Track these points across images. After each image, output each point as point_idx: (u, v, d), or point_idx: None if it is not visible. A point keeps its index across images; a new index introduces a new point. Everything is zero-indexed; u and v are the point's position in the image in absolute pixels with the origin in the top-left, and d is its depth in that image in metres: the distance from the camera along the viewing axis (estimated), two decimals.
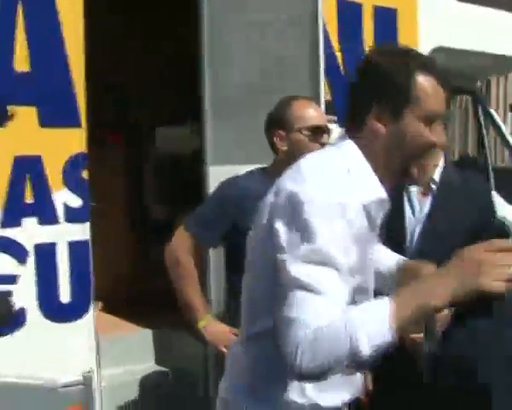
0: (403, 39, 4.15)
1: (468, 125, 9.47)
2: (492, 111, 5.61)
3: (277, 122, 2.47)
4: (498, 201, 4.90)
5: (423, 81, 1.44)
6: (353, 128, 1.51)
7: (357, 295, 1.41)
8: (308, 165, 1.48)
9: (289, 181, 1.44)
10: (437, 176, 2.54)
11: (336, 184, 1.40)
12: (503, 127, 5.68)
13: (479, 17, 4.65)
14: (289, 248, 1.35)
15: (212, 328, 2.54)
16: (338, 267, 1.32)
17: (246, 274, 1.62)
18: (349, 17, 3.93)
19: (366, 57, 1.54)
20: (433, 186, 2.54)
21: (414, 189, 2.52)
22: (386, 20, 4.11)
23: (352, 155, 1.48)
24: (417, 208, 2.53)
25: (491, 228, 2.52)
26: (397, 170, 1.49)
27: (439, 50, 4.29)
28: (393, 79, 1.44)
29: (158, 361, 4.18)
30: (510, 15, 4.93)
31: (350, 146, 1.49)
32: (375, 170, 1.48)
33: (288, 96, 2.52)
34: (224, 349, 2.45)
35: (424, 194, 2.54)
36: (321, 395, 1.57)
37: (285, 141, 2.44)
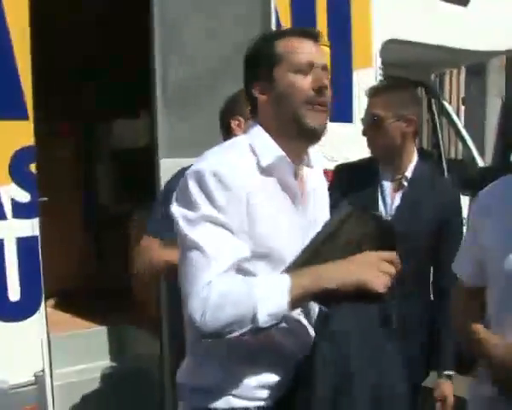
0: (356, 31, 4.16)
1: (423, 118, 9.59)
2: (446, 104, 5.67)
3: (237, 108, 2.45)
4: None
5: (282, 43, 1.62)
6: (254, 114, 1.67)
7: (263, 263, 1.52)
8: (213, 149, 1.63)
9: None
10: (409, 173, 2.58)
11: (223, 157, 1.55)
12: (457, 120, 5.76)
13: (432, 10, 4.68)
14: (182, 219, 1.49)
15: None
16: (227, 227, 1.46)
17: None
18: (302, 7, 3.91)
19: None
20: (405, 183, 2.57)
21: (387, 185, 2.56)
22: (340, 11, 4.10)
23: (254, 132, 1.63)
24: (389, 203, 2.56)
25: (453, 226, 2.55)
26: (292, 126, 1.59)
27: (393, 42, 4.31)
28: (258, 53, 1.64)
29: (113, 359, 4.12)
30: (463, 10, 4.98)
31: (254, 127, 1.65)
32: (277, 137, 1.61)
33: None
34: None
35: (396, 190, 2.58)
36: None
37: (243, 126, 2.40)
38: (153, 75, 3.25)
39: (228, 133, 2.48)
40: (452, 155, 8.27)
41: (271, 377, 1.58)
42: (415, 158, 2.60)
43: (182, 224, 1.48)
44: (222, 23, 3.29)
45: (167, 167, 3.05)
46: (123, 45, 4.38)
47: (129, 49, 4.28)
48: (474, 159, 5.52)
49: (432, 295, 2.62)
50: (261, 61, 1.62)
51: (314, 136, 1.61)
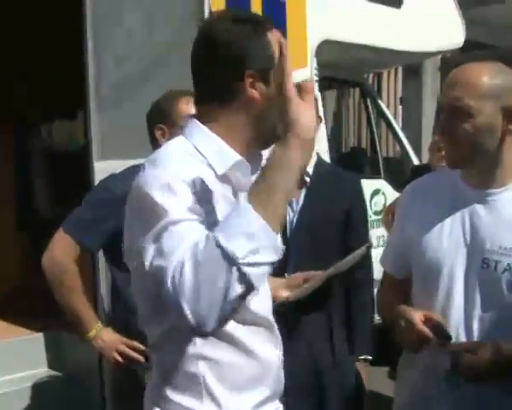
0: (292, 32, 4.18)
1: (362, 118, 9.74)
2: (381, 103, 5.78)
3: (161, 116, 2.39)
4: (388, 190, 5.07)
5: (275, 42, 1.43)
6: (210, 106, 1.47)
7: None
8: (153, 155, 1.45)
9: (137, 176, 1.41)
10: (310, 169, 2.65)
11: (168, 164, 1.37)
12: (392, 119, 5.87)
13: (366, 11, 4.76)
14: (140, 237, 1.32)
15: (103, 337, 2.44)
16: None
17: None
18: (237, 7, 3.91)
19: (210, 28, 1.47)
20: (307, 179, 2.64)
21: None
22: (275, 12, 4.13)
23: (201, 134, 1.45)
24: (294, 202, 2.62)
25: (358, 215, 2.69)
26: (270, 133, 1.44)
27: (327, 43, 4.36)
28: (257, 45, 1.42)
29: (51, 366, 4.04)
30: (397, 11, 5.08)
31: (198, 127, 1.46)
32: (240, 138, 1.46)
33: (175, 90, 2.42)
34: (118, 357, 2.40)
35: (300, 187, 2.63)
36: (231, 397, 1.48)
37: (167, 136, 2.34)
38: (86, 76, 3.21)
39: (153, 142, 2.42)
40: (390, 154, 8.42)
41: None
42: (314, 155, 2.68)
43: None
44: (155, 22, 3.27)
45: (100, 169, 3.01)
46: (56, 44, 4.31)
47: (62, 48, 4.21)
48: (409, 157, 5.64)
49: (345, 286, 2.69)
50: (258, 52, 1.42)
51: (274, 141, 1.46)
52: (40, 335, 4.05)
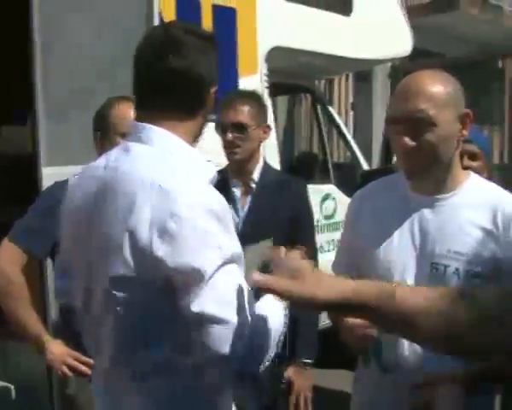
0: (242, 39, 4.21)
1: (313, 124, 9.83)
2: (331, 109, 5.85)
3: (99, 123, 2.41)
4: (339, 195, 5.14)
5: None
6: (158, 115, 1.52)
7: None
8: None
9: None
10: (256, 175, 2.71)
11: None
12: (342, 125, 5.95)
13: (316, 19, 4.82)
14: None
15: (52, 350, 2.39)
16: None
17: (116, 293, 1.45)
18: (188, 16, 3.92)
19: (173, 38, 1.52)
20: (253, 185, 2.70)
21: (236, 190, 2.68)
22: (226, 19, 4.15)
23: (176, 143, 1.52)
24: (240, 208, 2.67)
25: (304, 219, 2.73)
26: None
27: (277, 50, 4.40)
28: (213, 60, 1.57)
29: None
30: (346, 19, 5.16)
31: (172, 139, 1.51)
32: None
33: (114, 96, 2.43)
34: (67, 371, 2.37)
35: (245, 193, 2.69)
36: None
37: (100, 141, 2.38)
38: (34, 82, 3.18)
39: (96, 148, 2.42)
40: (340, 160, 8.52)
41: None
42: (261, 161, 2.75)
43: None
44: (104, 28, 3.25)
45: (48, 175, 2.98)
46: (3, 47, 4.25)
47: (9, 50, 4.15)
48: (359, 163, 5.73)
49: None
50: (214, 67, 1.59)
51: None
52: None
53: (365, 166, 5.79)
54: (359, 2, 5.24)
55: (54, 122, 3.19)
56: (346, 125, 8.43)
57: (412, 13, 6.60)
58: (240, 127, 2.64)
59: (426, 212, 1.81)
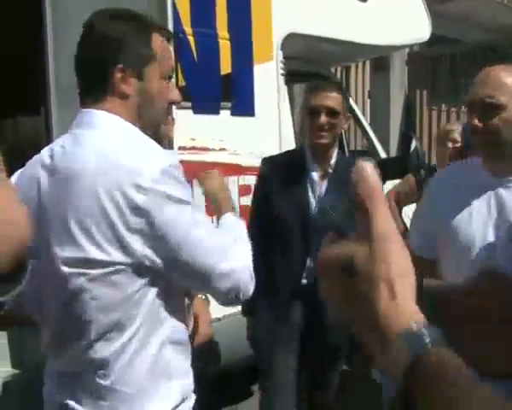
0: (257, 25, 4.16)
1: None
2: (348, 96, 5.77)
3: None
4: None
5: (158, 41, 1.57)
6: (91, 101, 1.55)
7: None
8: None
9: None
10: (333, 161, 2.92)
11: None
12: (359, 112, 5.87)
13: (331, 5, 4.75)
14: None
15: None
16: None
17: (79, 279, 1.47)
18: (201, 2, 3.87)
19: (90, 25, 1.58)
20: (330, 170, 2.91)
21: (314, 174, 2.90)
22: (240, 5, 4.09)
23: (122, 126, 1.53)
24: (317, 189, 2.90)
25: None
26: (150, 129, 1.57)
27: (293, 36, 4.34)
28: (131, 41, 1.53)
29: (14, 365, 3.96)
30: (363, 4, 5.08)
31: (113, 119, 1.52)
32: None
33: None
34: None
35: (322, 177, 2.91)
36: None
37: None
38: (47, 71, 3.15)
39: None
40: (357, 148, 8.45)
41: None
42: (336, 149, 2.98)
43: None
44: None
45: None
46: (16, 41, 4.23)
47: (22, 45, 4.13)
48: (376, 151, 5.65)
49: None
50: (131, 49, 1.54)
51: (159, 143, 1.61)
52: (3, 333, 3.96)
53: (382, 155, 5.71)
54: None
55: (65, 110, 3.16)
56: (363, 113, 8.33)
57: None
58: (333, 113, 2.81)
59: (501, 190, 2.01)
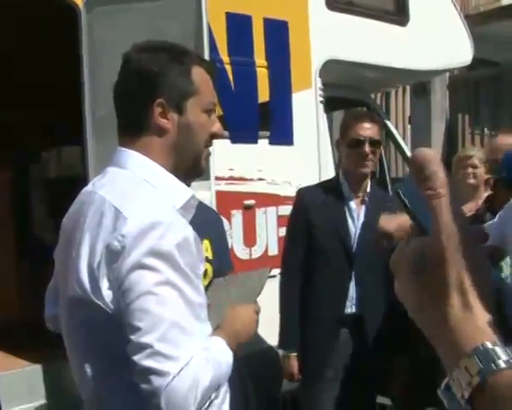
0: (295, 52, 4.11)
1: None
2: (388, 123, 5.66)
3: None
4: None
5: (199, 73, 1.51)
6: (128, 138, 1.50)
7: None
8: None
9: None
10: (368, 189, 3.00)
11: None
12: (400, 139, 5.75)
13: (370, 30, 4.67)
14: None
15: None
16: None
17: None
18: (238, 29, 3.83)
19: (129, 57, 1.53)
20: (366, 198, 2.99)
21: (352, 203, 2.99)
22: (277, 32, 4.05)
23: (148, 167, 1.47)
24: (355, 217, 2.97)
25: None
26: (189, 163, 1.51)
27: (332, 63, 4.27)
28: (170, 74, 1.47)
29: (50, 398, 3.92)
30: (402, 29, 4.99)
31: (140, 159, 1.47)
32: (170, 170, 1.49)
33: None
34: None
35: (359, 204, 2.99)
36: None
37: None
38: (83, 103, 3.15)
39: None
40: (398, 174, 8.31)
41: None
42: (369, 182, 3.06)
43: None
44: None
45: None
46: (53, 71, 4.25)
47: (59, 74, 4.15)
48: None
49: None
50: (171, 82, 1.48)
51: (198, 175, 1.58)
52: (38, 367, 3.93)
53: None
54: (416, 11, 5.06)
55: (101, 141, 3.13)
56: (404, 138, 8.20)
57: (469, 21, 6.35)
58: (375, 143, 2.91)
59: None
